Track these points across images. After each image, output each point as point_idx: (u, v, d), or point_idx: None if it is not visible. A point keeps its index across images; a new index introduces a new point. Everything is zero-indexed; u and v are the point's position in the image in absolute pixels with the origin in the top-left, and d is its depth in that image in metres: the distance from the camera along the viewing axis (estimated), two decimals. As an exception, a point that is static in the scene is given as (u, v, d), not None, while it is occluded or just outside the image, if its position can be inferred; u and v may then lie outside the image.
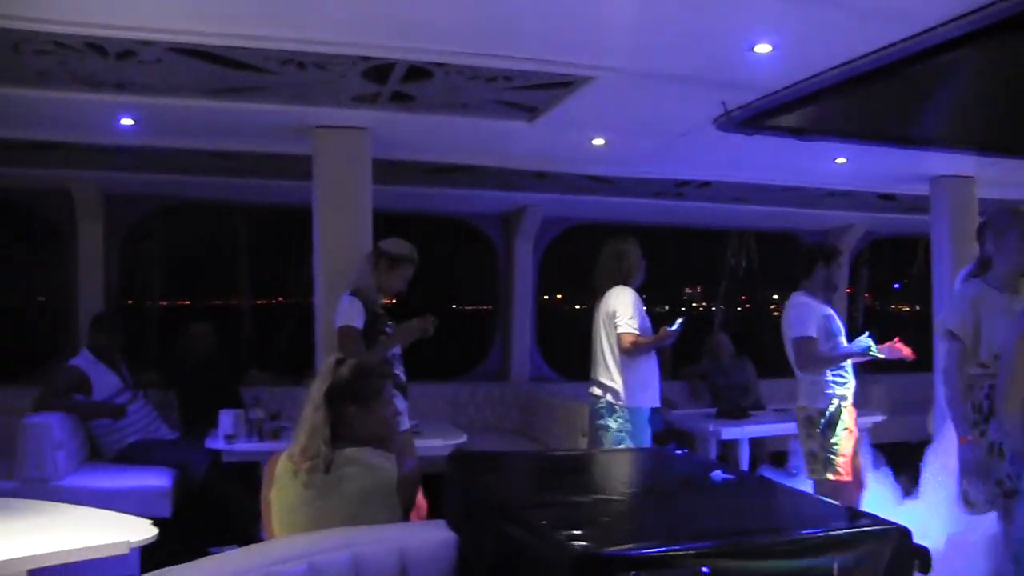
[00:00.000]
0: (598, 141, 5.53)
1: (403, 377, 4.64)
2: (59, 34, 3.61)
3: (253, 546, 2.42)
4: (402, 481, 2.71)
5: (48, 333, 7.35)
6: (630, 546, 1.90)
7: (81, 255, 6.81)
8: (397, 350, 4.69)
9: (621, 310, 4.97)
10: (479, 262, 8.24)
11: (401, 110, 4.82)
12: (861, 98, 4.38)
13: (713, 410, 6.73)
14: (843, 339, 4.82)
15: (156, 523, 2.94)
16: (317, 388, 2.79)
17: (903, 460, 5.34)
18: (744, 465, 6.20)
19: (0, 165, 5.99)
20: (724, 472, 2.67)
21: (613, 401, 4.94)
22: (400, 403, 3.96)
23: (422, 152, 5.86)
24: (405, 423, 4.41)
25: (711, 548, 1.93)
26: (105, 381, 5.62)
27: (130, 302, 7.77)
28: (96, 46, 3.77)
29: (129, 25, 3.55)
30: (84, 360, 5.65)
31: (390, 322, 4.73)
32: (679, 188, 7.04)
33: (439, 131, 5.31)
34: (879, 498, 4.88)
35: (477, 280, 8.45)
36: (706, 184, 6.88)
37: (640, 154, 5.91)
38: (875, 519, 2.22)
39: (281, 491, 2.75)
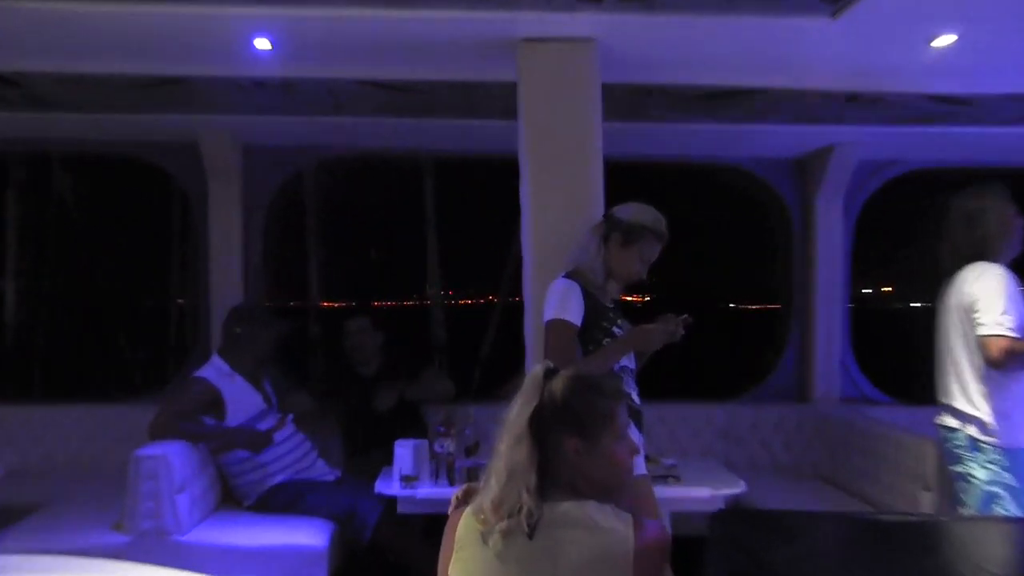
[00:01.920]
0: (943, 40, 5.16)
1: (637, 399, 4.55)
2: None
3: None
4: (642, 551, 2.56)
5: (178, 337, 7.74)
6: None
7: (213, 230, 7.14)
8: (629, 361, 4.60)
9: (983, 300, 4.60)
10: (761, 231, 7.97)
11: (639, 11, 4.73)
12: None
13: None
14: None
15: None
16: (518, 412, 2.70)
17: None
18: None
19: (118, 111, 6.38)
20: None
21: (978, 437, 4.59)
22: (634, 436, 3.83)
23: (671, 72, 5.73)
24: (640, 466, 4.31)
25: None
26: (242, 400, 5.80)
27: (291, 304, 8.05)
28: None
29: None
30: (214, 371, 5.84)
31: (620, 321, 4.64)
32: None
33: (693, 40, 5.19)
34: None
35: (758, 258, 8.18)
36: None
37: (1010, 56, 5.48)
38: None
39: (465, 562, 2.69)
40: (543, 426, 2.67)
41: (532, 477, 2.61)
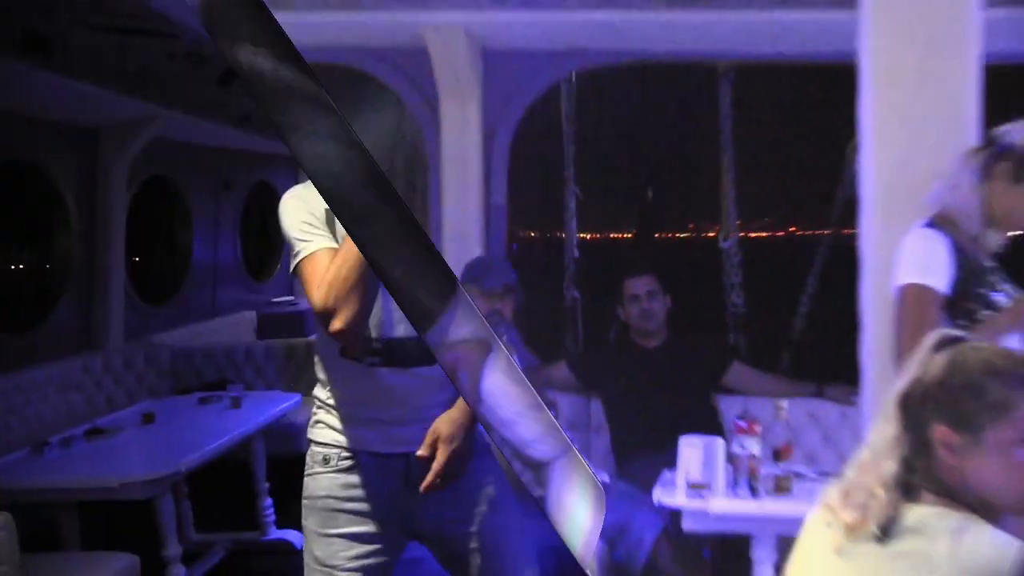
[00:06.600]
0: None
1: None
2: None
3: None
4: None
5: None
6: None
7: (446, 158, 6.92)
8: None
9: None
10: None
11: None
12: None
13: None
14: None
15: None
16: (895, 388, 2.57)
17: None
18: None
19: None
20: None
21: None
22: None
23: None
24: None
25: None
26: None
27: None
28: None
29: None
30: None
31: (1004, 285, 4.13)
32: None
33: None
34: None
35: None
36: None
37: None
38: None
39: (802, 558, 2.63)
40: (915, 407, 2.51)
41: (891, 465, 2.48)
